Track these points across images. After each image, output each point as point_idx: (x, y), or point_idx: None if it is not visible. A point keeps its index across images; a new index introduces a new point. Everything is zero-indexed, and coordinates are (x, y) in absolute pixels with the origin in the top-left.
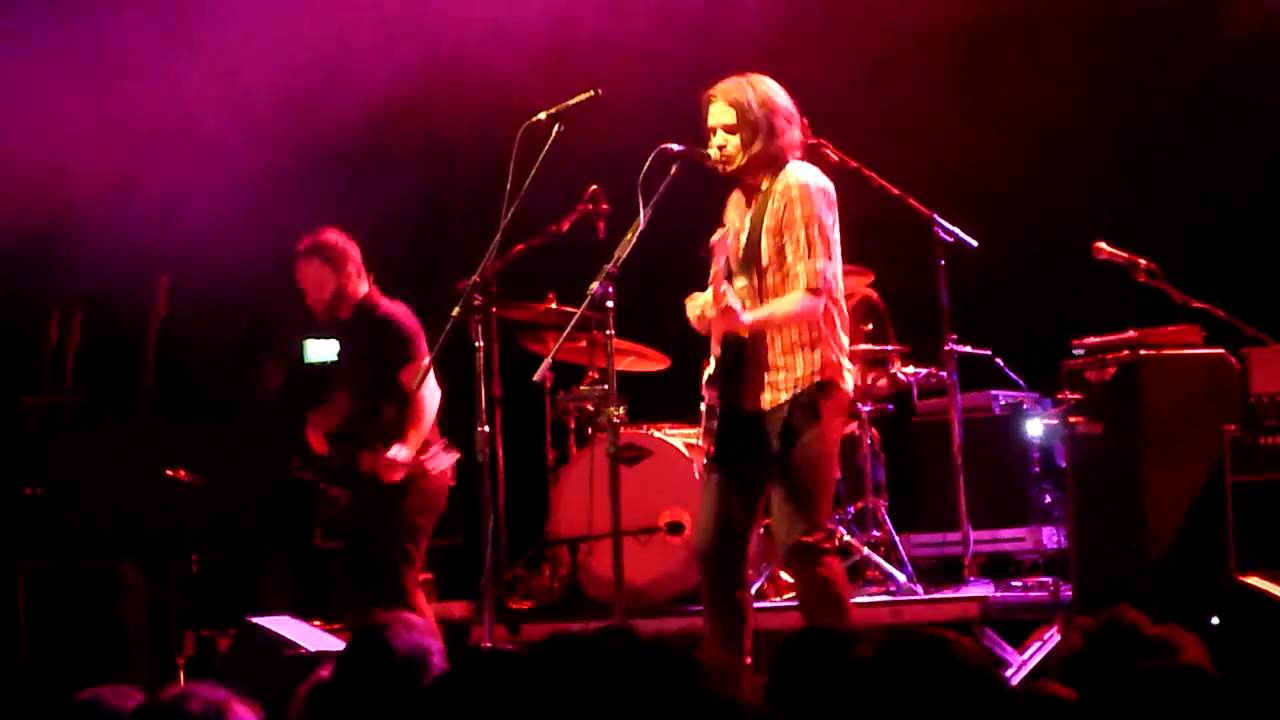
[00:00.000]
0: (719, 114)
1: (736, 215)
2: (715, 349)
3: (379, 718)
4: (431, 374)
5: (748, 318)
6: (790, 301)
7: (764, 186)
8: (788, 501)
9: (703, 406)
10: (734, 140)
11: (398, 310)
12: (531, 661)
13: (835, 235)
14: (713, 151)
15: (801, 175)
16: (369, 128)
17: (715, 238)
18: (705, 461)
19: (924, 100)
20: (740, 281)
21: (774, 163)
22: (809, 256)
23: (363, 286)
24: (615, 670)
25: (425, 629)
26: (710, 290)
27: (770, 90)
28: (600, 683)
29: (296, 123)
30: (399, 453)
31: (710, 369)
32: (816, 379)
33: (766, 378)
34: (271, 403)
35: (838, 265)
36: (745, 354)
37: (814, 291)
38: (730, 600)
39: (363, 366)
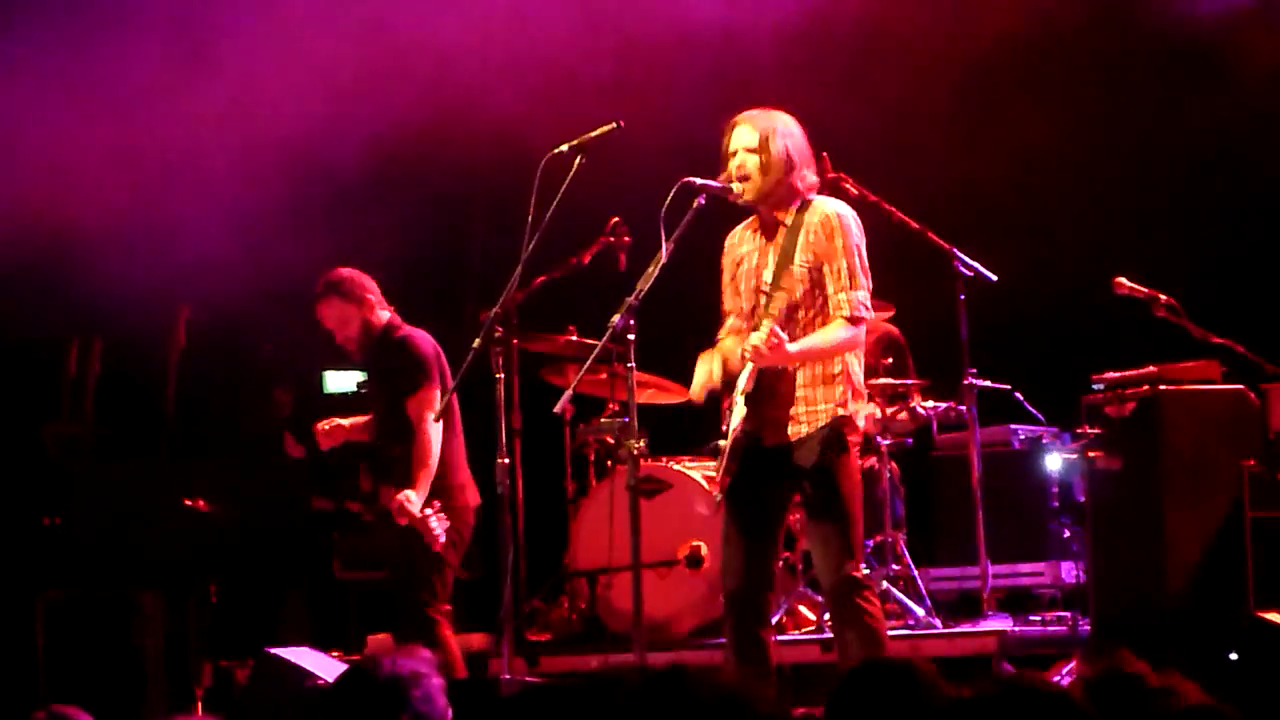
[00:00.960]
0: (743, 137)
1: (755, 251)
2: (748, 385)
3: None
4: (435, 419)
5: (794, 348)
6: (833, 331)
7: (788, 220)
8: (828, 541)
9: (722, 444)
10: (752, 160)
11: (417, 335)
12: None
13: (868, 268)
14: (733, 174)
15: (837, 207)
16: (390, 158)
17: (729, 279)
18: (721, 498)
19: (944, 135)
20: (765, 319)
21: (791, 196)
22: (851, 287)
23: (384, 315)
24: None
25: (424, 660)
26: (725, 341)
27: (793, 126)
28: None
29: (319, 154)
30: (410, 496)
31: (741, 410)
32: (840, 412)
33: (791, 411)
34: (281, 431)
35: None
36: (768, 388)
37: (855, 321)
38: (756, 639)
39: (381, 392)
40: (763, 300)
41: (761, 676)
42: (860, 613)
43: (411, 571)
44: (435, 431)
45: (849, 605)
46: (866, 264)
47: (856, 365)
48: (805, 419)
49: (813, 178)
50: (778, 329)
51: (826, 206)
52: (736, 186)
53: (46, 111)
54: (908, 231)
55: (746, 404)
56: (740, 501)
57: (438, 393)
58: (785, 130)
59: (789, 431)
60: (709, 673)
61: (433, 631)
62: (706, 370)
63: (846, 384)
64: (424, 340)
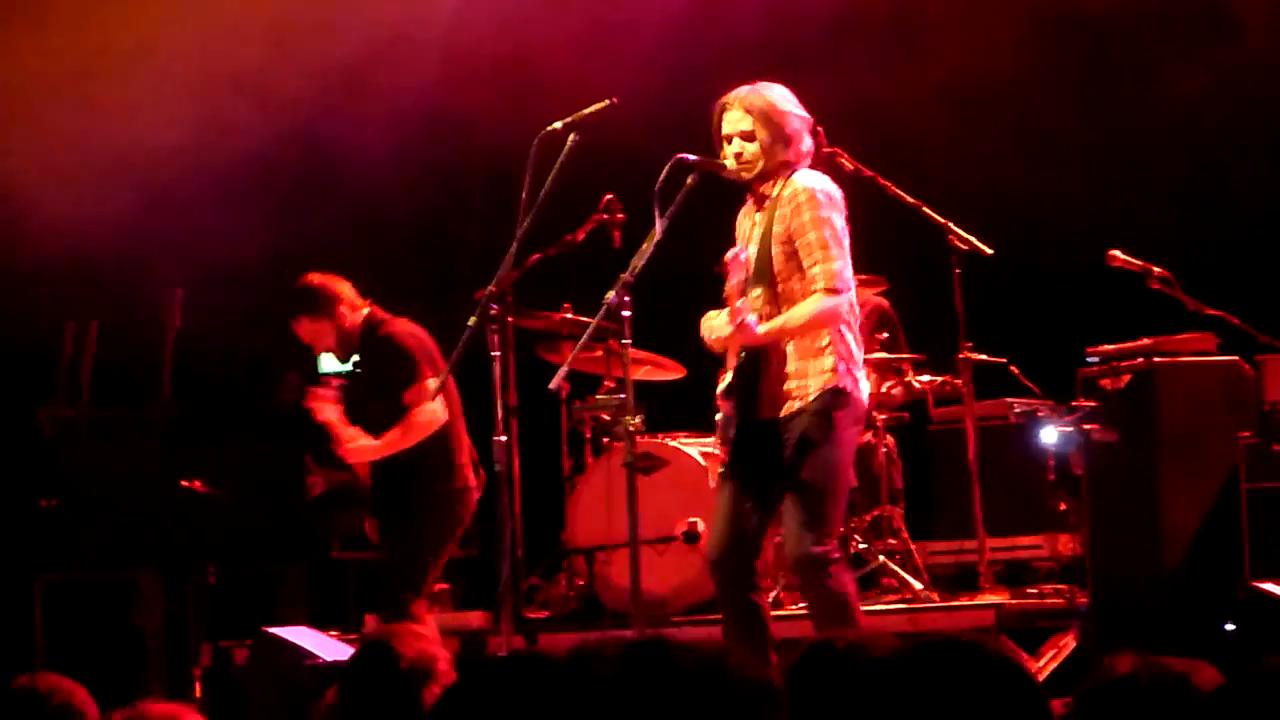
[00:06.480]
0: (735, 121)
1: (748, 226)
2: (731, 361)
3: None
4: (441, 400)
5: (762, 329)
6: (808, 306)
7: (772, 194)
8: (798, 513)
9: (718, 417)
10: (751, 147)
11: (400, 329)
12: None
13: (846, 238)
14: (729, 161)
15: (807, 180)
16: (385, 137)
17: (729, 254)
18: (720, 471)
19: (936, 112)
20: (756, 292)
21: (786, 170)
22: (824, 259)
23: (361, 314)
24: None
25: (432, 639)
26: (726, 308)
27: (782, 97)
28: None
29: (312, 132)
30: (359, 440)
31: (726, 381)
32: (830, 386)
33: (780, 387)
34: (290, 415)
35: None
36: (759, 363)
37: (833, 292)
38: (746, 605)
39: (377, 393)
40: (748, 276)
41: (757, 645)
42: (822, 590)
43: (410, 553)
44: (427, 419)
45: (810, 584)
46: (841, 234)
47: (849, 335)
48: (795, 393)
49: (808, 142)
50: (745, 307)
51: (800, 180)
52: (731, 164)
53: (36, 94)
54: (902, 206)
55: (738, 380)
56: (735, 475)
57: (431, 382)
58: (775, 106)
59: (782, 408)
60: (693, 643)
61: (408, 612)
62: (709, 325)
63: (837, 355)
64: (407, 334)
